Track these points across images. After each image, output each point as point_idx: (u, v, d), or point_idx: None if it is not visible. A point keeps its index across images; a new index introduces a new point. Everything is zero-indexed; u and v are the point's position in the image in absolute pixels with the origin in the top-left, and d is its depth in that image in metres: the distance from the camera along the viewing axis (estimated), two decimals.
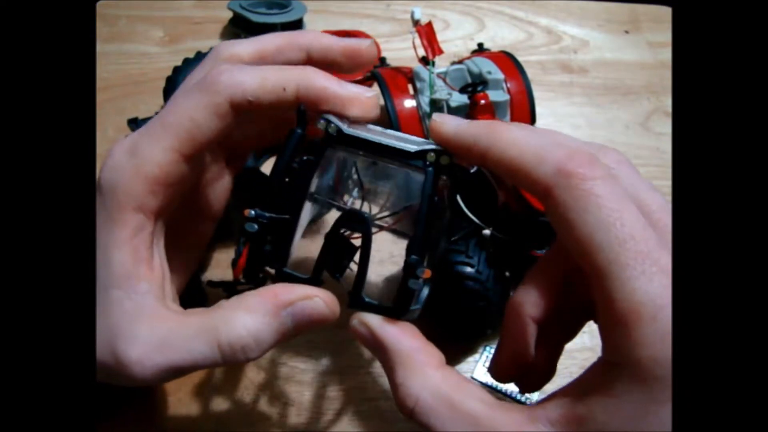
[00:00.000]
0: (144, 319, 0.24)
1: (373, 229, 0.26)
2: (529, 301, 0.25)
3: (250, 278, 0.28)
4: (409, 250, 0.25)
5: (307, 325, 0.25)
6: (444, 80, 0.42)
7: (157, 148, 0.25)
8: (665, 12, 0.63)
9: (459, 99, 0.41)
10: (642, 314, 0.19)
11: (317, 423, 0.34)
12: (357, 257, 0.26)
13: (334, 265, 0.27)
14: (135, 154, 0.25)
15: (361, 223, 0.26)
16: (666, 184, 0.48)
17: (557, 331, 0.27)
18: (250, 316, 0.24)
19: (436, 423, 0.22)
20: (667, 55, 0.59)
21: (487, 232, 0.36)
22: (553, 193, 0.21)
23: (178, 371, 0.24)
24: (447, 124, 0.25)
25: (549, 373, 0.27)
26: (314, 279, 0.27)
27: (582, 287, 0.24)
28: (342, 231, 0.26)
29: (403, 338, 0.24)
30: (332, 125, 0.26)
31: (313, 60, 0.29)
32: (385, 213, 0.30)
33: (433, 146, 0.26)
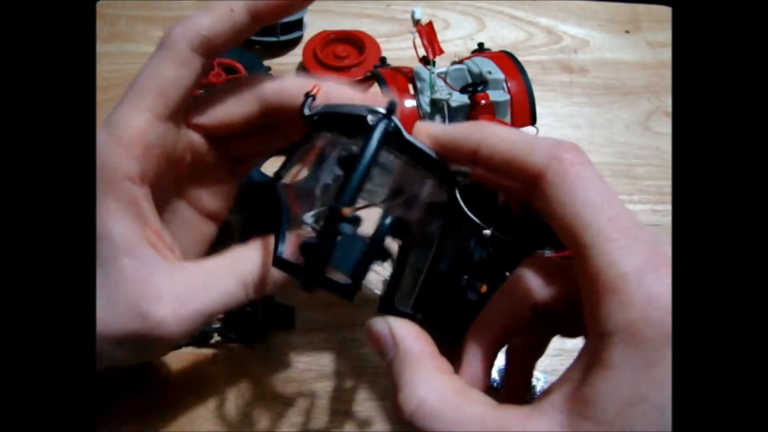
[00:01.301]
0: (163, 277, 0.25)
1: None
2: (487, 327, 0.26)
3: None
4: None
5: None
6: (444, 80, 0.42)
7: (130, 113, 0.25)
8: (665, 12, 0.63)
9: (459, 99, 0.40)
10: (629, 281, 0.19)
11: (317, 423, 0.34)
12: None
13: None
14: (110, 123, 0.25)
15: (404, 230, 0.25)
16: (666, 184, 0.48)
17: (525, 351, 0.28)
18: (267, 256, 0.26)
19: (440, 426, 0.21)
20: (667, 55, 0.59)
21: (487, 232, 0.36)
22: (545, 177, 0.22)
23: (210, 315, 0.25)
24: (433, 126, 0.26)
25: (525, 391, 0.28)
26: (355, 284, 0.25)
27: (546, 312, 0.25)
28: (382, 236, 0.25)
29: (419, 341, 0.24)
30: (392, 124, 0.24)
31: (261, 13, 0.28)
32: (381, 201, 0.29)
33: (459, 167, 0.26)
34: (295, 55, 0.54)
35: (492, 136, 0.24)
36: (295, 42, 0.55)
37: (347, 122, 0.25)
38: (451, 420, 0.21)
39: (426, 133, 0.25)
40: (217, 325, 0.37)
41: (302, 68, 0.53)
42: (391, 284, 0.25)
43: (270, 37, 0.53)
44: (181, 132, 0.29)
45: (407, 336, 0.24)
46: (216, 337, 0.37)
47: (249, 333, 0.37)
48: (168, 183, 0.29)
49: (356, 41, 0.53)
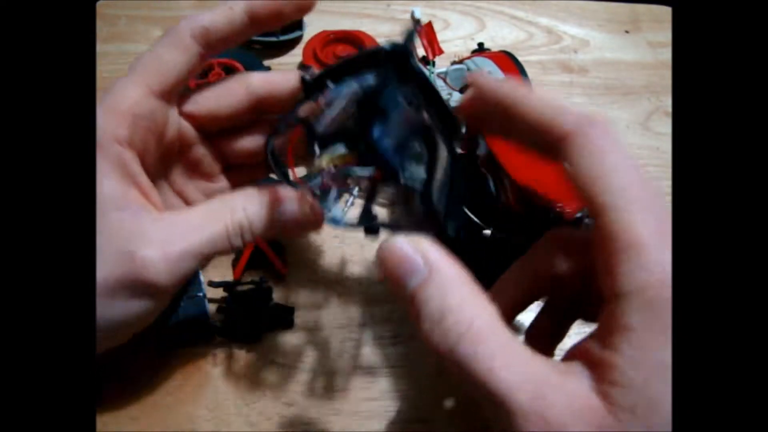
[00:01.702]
0: (150, 224, 0.26)
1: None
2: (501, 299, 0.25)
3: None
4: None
5: (293, 224, 0.28)
6: (444, 80, 0.42)
7: (125, 85, 0.27)
8: (665, 12, 0.63)
9: (459, 99, 0.41)
10: (649, 243, 0.20)
11: (317, 423, 0.34)
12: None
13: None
14: (108, 92, 0.27)
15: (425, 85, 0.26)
16: (666, 184, 0.48)
17: (547, 333, 0.28)
18: (251, 204, 0.28)
19: (489, 351, 0.20)
20: (667, 55, 0.59)
21: (487, 232, 0.36)
22: (575, 138, 0.22)
23: (197, 256, 0.26)
24: (488, 78, 0.27)
25: None
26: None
27: (565, 289, 0.25)
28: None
29: (455, 264, 0.22)
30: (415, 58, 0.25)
31: (258, 16, 0.30)
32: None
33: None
34: (295, 55, 0.54)
35: (531, 96, 0.24)
36: (295, 42, 0.55)
37: (362, 61, 0.26)
38: (502, 350, 0.20)
39: (478, 82, 0.26)
40: (218, 325, 0.37)
41: (302, 68, 0.53)
42: (429, 174, 0.25)
43: (270, 37, 0.53)
44: (173, 116, 0.30)
45: (442, 257, 0.22)
46: (216, 337, 0.37)
47: (249, 333, 0.37)
48: (156, 162, 0.30)
49: (356, 41, 0.53)
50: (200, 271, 0.40)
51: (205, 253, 0.26)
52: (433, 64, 0.42)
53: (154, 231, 0.26)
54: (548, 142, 0.23)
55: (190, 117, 0.31)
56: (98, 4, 0.58)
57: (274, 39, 0.53)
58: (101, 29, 0.56)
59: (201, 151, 0.32)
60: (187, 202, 0.33)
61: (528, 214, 0.35)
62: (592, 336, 0.21)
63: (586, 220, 0.33)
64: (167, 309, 0.33)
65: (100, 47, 0.55)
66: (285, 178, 0.29)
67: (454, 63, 0.46)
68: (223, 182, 0.34)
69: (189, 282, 0.37)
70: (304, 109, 0.29)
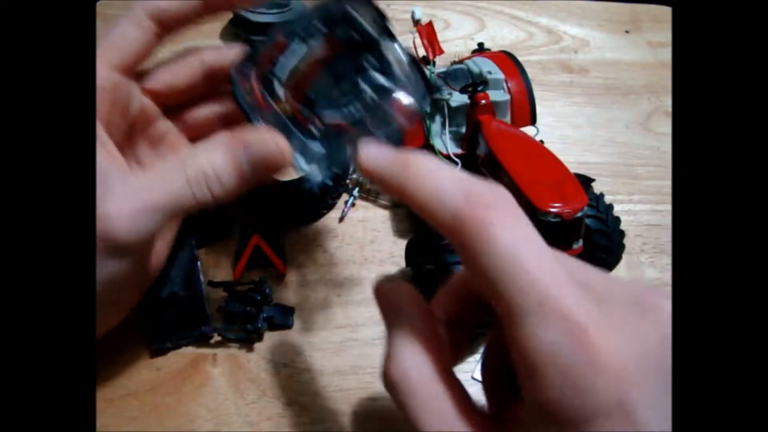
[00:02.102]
0: (116, 180, 0.26)
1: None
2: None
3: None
4: None
5: (260, 163, 0.27)
6: (444, 80, 0.42)
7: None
8: (665, 12, 0.63)
9: (459, 99, 0.41)
10: (541, 362, 0.18)
11: (317, 423, 0.34)
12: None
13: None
14: None
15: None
16: (666, 184, 0.48)
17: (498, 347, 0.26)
18: (211, 151, 0.27)
19: (413, 405, 0.21)
20: (667, 55, 0.59)
21: None
22: (455, 238, 0.20)
23: (160, 212, 0.26)
24: (374, 152, 0.23)
25: (503, 386, 0.27)
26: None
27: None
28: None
29: (417, 313, 0.24)
30: None
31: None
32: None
33: None
34: None
35: (414, 174, 0.21)
36: None
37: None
38: (425, 407, 0.21)
39: (362, 166, 0.23)
40: (218, 325, 0.37)
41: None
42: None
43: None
44: (135, 92, 0.31)
45: (409, 306, 0.23)
46: (216, 337, 0.37)
47: (249, 333, 0.37)
48: (121, 137, 0.31)
49: None
50: (200, 272, 0.40)
51: (168, 208, 0.26)
52: (434, 64, 0.42)
53: (118, 187, 0.26)
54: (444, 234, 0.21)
55: (150, 92, 0.32)
56: (98, 4, 0.58)
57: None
58: (101, 29, 0.56)
59: (164, 126, 0.34)
60: None
61: (527, 214, 0.35)
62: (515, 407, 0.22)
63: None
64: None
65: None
66: (247, 110, 0.29)
67: (454, 63, 0.46)
68: None
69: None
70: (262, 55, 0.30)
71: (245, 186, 0.27)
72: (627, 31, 0.61)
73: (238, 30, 0.55)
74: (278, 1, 0.55)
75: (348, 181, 0.45)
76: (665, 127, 0.53)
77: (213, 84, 0.33)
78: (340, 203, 0.45)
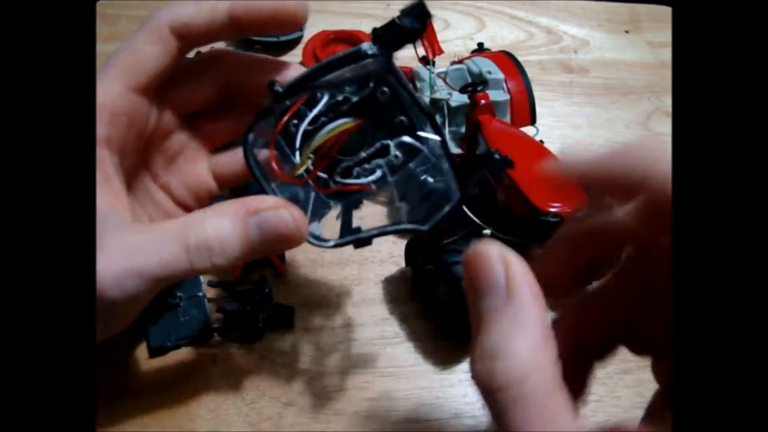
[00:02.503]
0: (111, 232, 0.24)
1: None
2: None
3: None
4: None
5: (273, 237, 0.25)
6: (444, 80, 0.42)
7: (103, 80, 0.27)
8: (665, 12, 0.63)
9: (459, 99, 0.41)
10: None
11: (317, 423, 0.34)
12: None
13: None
14: None
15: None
16: None
17: (588, 349, 0.24)
18: (218, 219, 0.25)
19: (525, 417, 0.17)
20: (667, 55, 0.59)
21: (487, 232, 0.36)
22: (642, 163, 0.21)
23: (149, 279, 0.24)
24: (582, 155, 0.22)
25: (579, 390, 0.24)
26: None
27: (617, 309, 0.22)
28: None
29: (537, 298, 0.19)
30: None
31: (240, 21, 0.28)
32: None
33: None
34: (295, 55, 0.54)
35: (664, 164, 0.20)
36: (294, 42, 0.55)
37: (342, 61, 0.26)
38: (543, 423, 0.17)
39: (572, 165, 0.22)
40: (218, 325, 0.37)
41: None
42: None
43: (270, 38, 0.53)
44: (152, 111, 0.29)
45: (528, 286, 0.19)
46: (216, 337, 0.37)
47: (249, 333, 0.37)
48: (135, 156, 0.30)
49: (356, 41, 0.53)
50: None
51: (159, 276, 0.24)
52: (433, 64, 0.42)
53: (111, 241, 0.24)
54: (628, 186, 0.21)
55: (167, 103, 0.30)
56: (98, 4, 0.58)
57: (274, 39, 0.53)
58: (101, 29, 0.56)
59: (182, 138, 0.32)
60: (173, 197, 0.32)
61: (527, 214, 0.35)
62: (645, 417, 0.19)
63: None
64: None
65: (100, 47, 0.54)
66: (262, 180, 0.27)
67: (453, 63, 0.46)
68: (208, 181, 0.33)
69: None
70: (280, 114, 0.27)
71: (251, 258, 0.26)
72: (627, 31, 0.61)
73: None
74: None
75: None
76: (665, 127, 0.53)
77: (233, 94, 0.31)
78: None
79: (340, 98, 0.26)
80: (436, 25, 0.43)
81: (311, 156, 0.26)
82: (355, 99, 0.26)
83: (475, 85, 0.40)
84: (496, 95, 0.41)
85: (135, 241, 0.24)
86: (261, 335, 0.38)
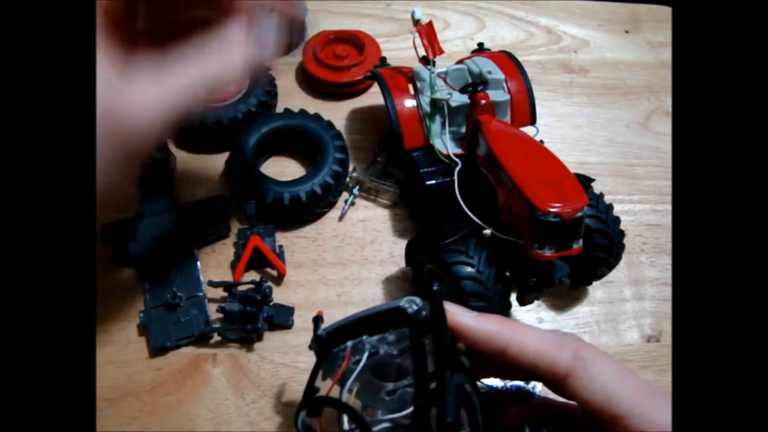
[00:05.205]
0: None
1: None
2: None
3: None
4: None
5: None
6: (444, 80, 0.42)
7: None
8: (665, 12, 0.63)
9: (459, 99, 0.41)
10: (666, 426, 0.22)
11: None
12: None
13: None
14: None
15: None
16: (666, 184, 0.48)
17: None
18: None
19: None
20: (667, 55, 0.59)
21: (487, 232, 0.36)
22: (573, 375, 0.25)
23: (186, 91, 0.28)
24: (464, 317, 0.27)
25: None
26: None
27: None
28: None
29: None
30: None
31: None
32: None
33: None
34: (295, 55, 0.54)
35: (519, 336, 0.26)
36: None
37: (379, 320, 0.28)
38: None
39: (456, 324, 0.27)
40: (218, 325, 0.37)
41: (302, 68, 0.53)
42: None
43: None
44: None
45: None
46: (216, 337, 0.37)
47: (249, 333, 0.37)
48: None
49: (356, 41, 0.53)
50: (200, 272, 0.40)
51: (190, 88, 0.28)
52: (433, 63, 0.42)
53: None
54: (548, 381, 0.26)
55: None
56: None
57: None
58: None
59: None
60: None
61: (527, 214, 0.35)
62: None
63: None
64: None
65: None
66: None
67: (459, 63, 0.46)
68: None
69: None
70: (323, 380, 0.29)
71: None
72: (627, 31, 0.61)
73: None
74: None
75: (348, 179, 0.45)
76: (665, 127, 0.53)
77: None
78: (340, 202, 0.45)
79: (381, 352, 0.28)
80: (436, 25, 0.43)
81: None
82: (395, 352, 0.28)
83: (476, 85, 0.40)
84: (497, 95, 0.41)
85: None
86: (261, 335, 0.38)
